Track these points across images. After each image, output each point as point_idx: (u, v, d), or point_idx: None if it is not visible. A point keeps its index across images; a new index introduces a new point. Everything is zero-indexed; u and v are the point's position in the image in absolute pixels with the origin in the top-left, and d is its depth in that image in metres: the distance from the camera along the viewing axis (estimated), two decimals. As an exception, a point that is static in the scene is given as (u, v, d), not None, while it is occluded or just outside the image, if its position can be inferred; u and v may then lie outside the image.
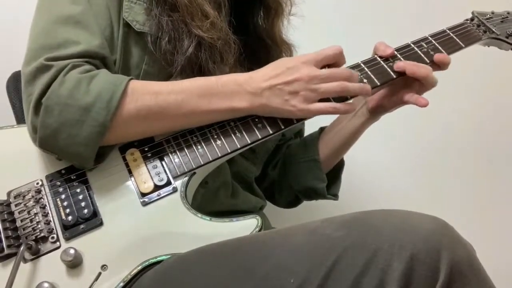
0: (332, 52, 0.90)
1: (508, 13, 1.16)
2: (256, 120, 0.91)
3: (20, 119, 1.12)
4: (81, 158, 0.83)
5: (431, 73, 0.97)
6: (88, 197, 0.85)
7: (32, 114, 0.81)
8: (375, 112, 1.08)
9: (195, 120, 0.89)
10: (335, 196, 1.21)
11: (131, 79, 0.85)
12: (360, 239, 0.68)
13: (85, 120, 0.80)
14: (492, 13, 1.15)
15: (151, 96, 0.84)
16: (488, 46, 1.14)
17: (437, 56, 1.00)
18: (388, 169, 1.71)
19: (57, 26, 0.87)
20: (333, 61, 0.91)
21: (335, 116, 1.15)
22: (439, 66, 1.00)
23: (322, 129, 1.20)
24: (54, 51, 0.83)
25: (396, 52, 0.99)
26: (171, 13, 0.92)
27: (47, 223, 0.83)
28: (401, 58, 0.99)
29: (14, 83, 1.17)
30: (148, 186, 0.86)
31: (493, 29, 1.11)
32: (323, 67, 0.90)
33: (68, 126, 0.80)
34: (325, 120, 1.13)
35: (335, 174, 1.21)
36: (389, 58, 0.99)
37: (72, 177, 0.87)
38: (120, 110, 0.82)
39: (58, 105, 0.79)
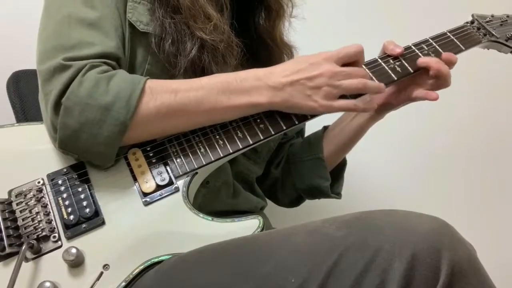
0: (354, 50, 0.91)
1: (508, 16, 1.17)
2: (258, 120, 0.91)
3: (20, 119, 1.12)
4: (102, 158, 0.84)
5: (448, 70, 0.99)
6: (90, 196, 0.85)
7: (52, 114, 0.82)
8: (381, 109, 1.09)
9: (215, 116, 0.89)
10: (338, 195, 1.22)
11: (149, 78, 0.85)
12: (360, 239, 0.68)
13: (105, 119, 0.80)
14: (492, 16, 1.16)
15: (170, 94, 0.84)
16: (488, 49, 1.15)
17: (445, 55, 1.01)
18: (388, 169, 1.72)
19: (71, 27, 0.87)
20: (354, 59, 0.92)
21: (338, 115, 1.16)
22: (446, 65, 1.01)
23: (325, 128, 1.21)
24: (71, 51, 0.84)
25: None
26: (173, 15, 0.92)
27: (49, 222, 0.83)
28: (402, 60, 0.99)
29: (14, 83, 1.16)
30: (150, 185, 0.86)
31: (493, 32, 1.11)
32: (343, 65, 0.91)
33: (89, 126, 0.80)
34: (328, 119, 1.13)
35: (338, 172, 1.22)
36: (390, 60, 0.99)
37: (74, 176, 0.87)
38: (139, 109, 0.82)
39: (78, 105, 0.80)
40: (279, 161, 1.25)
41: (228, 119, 0.91)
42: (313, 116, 0.92)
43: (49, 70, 0.83)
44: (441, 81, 0.99)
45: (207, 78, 0.89)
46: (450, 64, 1.01)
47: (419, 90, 1.01)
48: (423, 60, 0.99)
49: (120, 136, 0.81)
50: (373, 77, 0.96)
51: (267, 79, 0.87)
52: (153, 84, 0.85)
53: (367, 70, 0.97)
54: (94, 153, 0.83)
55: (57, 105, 0.81)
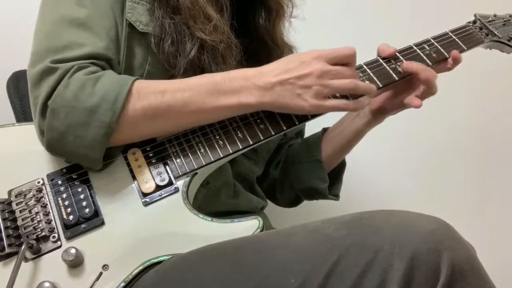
0: (346, 52, 0.89)
1: (510, 16, 1.16)
2: (258, 121, 0.91)
3: (20, 119, 1.12)
4: (89, 160, 0.83)
5: (435, 79, 0.97)
6: (90, 197, 0.85)
7: (39, 117, 0.82)
8: (378, 113, 1.09)
9: (204, 117, 0.89)
10: (336, 197, 1.22)
11: (137, 79, 0.85)
12: (361, 239, 0.68)
13: (91, 122, 0.80)
14: (495, 16, 1.15)
15: (157, 95, 0.84)
16: (490, 49, 1.15)
17: (454, 53, 1.01)
18: (388, 169, 1.72)
19: (62, 28, 0.87)
20: (345, 61, 0.90)
21: (338, 117, 1.16)
22: (451, 64, 1.01)
23: (324, 130, 1.20)
24: (59, 53, 0.83)
25: (398, 54, 1.00)
26: (173, 16, 0.92)
27: (48, 222, 0.83)
28: (403, 60, 0.99)
29: (14, 83, 1.17)
30: (149, 186, 0.86)
31: (495, 32, 1.11)
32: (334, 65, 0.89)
33: (75, 129, 0.80)
34: (328, 121, 1.13)
35: (336, 174, 1.22)
36: (392, 60, 0.99)
37: (74, 176, 0.87)
38: (126, 111, 0.82)
39: (64, 107, 0.79)
40: (278, 162, 1.25)
41: (217, 120, 0.90)
42: (313, 116, 0.92)
43: (37, 74, 0.83)
44: (426, 88, 0.99)
45: (196, 78, 0.88)
46: (455, 63, 1.01)
47: (409, 96, 1.00)
48: (406, 65, 0.98)
49: (105, 138, 0.81)
50: (375, 78, 0.96)
51: (256, 79, 0.86)
52: (141, 85, 0.84)
53: (368, 70, 0.97)
54: (81, 156, 0.83)
55: (44, 108, 0.81)
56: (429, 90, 0.98)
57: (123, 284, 0.78)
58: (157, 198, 0.86)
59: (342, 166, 1.22)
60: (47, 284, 0.77)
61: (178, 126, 0.89)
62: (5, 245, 0.79)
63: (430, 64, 1.00)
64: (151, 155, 0.89)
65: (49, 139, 0.81)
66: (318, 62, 0.87)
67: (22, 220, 0.83)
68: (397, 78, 0.98)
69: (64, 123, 0.80)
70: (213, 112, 0.87)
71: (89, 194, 0.85)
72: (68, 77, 0.81)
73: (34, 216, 0.83)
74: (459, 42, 1.05)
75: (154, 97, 0.83)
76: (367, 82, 0.95)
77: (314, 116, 0.92)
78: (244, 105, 0.87)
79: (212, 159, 0.89)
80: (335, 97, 0.90)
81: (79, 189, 0.86)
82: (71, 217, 0.83)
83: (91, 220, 0.83)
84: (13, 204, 0.84)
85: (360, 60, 0.98)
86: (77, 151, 0.82)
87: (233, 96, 0.86)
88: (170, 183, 0.87)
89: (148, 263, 0.80)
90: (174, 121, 0.87)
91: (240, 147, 0.90)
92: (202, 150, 0.89)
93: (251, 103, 0.86)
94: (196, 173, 0.89)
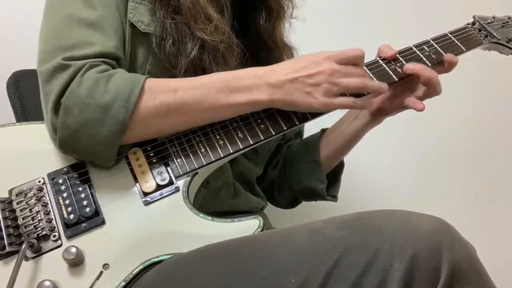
0: (355, 53, 0.91)
1: (509, 17, 1.17)
2: (259, 121, 0.91)
3: (20, 119, 1.12)
4: (102, 157, 0.84)
5: (437, 78, 0.98)
6: (90, 196, 0.85)
7: (52, 114, 0.82)
8: (377, 114, 1.09)
9: (215, 114, 0.89)
10: (334, 198, 1.22)
11: (148, 77, 0.85)
12: (361, 239, 0.68)
13: (104, 119, 0.80)
14: (493, 17, 1.16)
15: (169, 93, 0.84)
16: (489, 51, 1.15)
17: (447, 57, 1.01)
18: (389, 169, 1.72)
19: (71, 28, 0.87)
20: (354, 62, 0.91)
21: (337, 117, 1.16)
22: (447, 67, 1.01)
23: (323, 131, 1.21)
24: (69, 52, 0.84)
25: (398, 55, 1.00)
26: (174, 16, 0.93)
27: (49, 221, 0.83)
28: (403, 61, 0.99)
29: (14, 83, 1.17)
30: (150, 185, 0.86)
31: (494, 34, 1.11)
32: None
33: (88, 126, 0.80)
34: (327, 122, 1.13)
35: (335, 175, 1.22)
36: (391, 61, 0.99)
37: (74, 175, 0.87)
38: (139, 108, 0.82)
39: (77, 105, 0.80)
40: (276, 163, 1.26)
41: (228, 117, 0.91)
42: (313, 116, 0.92)
43: (49, 71, 0.83)
44: (430, 88, 0.99)
45: (207, 76, 0.89)
46: (451, 65, 1.01)
47: (411, 97, 1.01)
48: (408, 67, 0.98)
49: (119, 135, 0.81)
50: (374, 78, 0.96)
51: (267, 77, 0.87)
52: (153, 83, 0.85)
53: (367, 71, 0.97)
54: (94, 153, 0.83)
55: (56, 105, 0.81)
56: (433, 90, 0.99)
57: (123, 283, 0.78)
58: (157, 198, 0.86)
59: (340, 167, 1.22)
60: (47, 283, 0.77)
61: (190, 123, 0.90)
62: (6, 244, 0.79)
63: (429, 65, 1.00)
64: (152, 154, 0.89)
65: (62, 136, 0.82)
66: (328, 62, 0.88)
67: (23, 219, 0.83)
68: (396, 79, 0.98)
69: (78, 121, 0.80)
70: (224, 109, 0.88)
71: (89, 193, 0.85)
72: (80, 75, 0.81)
73: (35, 215, 0.83)
74: (458, 44, 1.06)
75: (167, 94, 0.84)
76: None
77: (314, 116, 0.92)
78: (255, 102, 0.88)
79: (213, 159, 0.89)
80: (343, 95, 0.90)
81: (80, 188, 0.86)
82: (71, 216, 0.83)
83: (92, 219, 0.83)
84: (14, 203, 0.84)
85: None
86: (90, 148, 0.82)
87: (245, 94, 0.87)
88: (170, 182, 0.87)
89: (148, 262, 0.80)
90: (186, 118, 0.88)
91: (241, 147, 0.90)
92: (202, 150, 0.89)
93: (261, 100, 0.87)
94: (197, 173, 0.89)
